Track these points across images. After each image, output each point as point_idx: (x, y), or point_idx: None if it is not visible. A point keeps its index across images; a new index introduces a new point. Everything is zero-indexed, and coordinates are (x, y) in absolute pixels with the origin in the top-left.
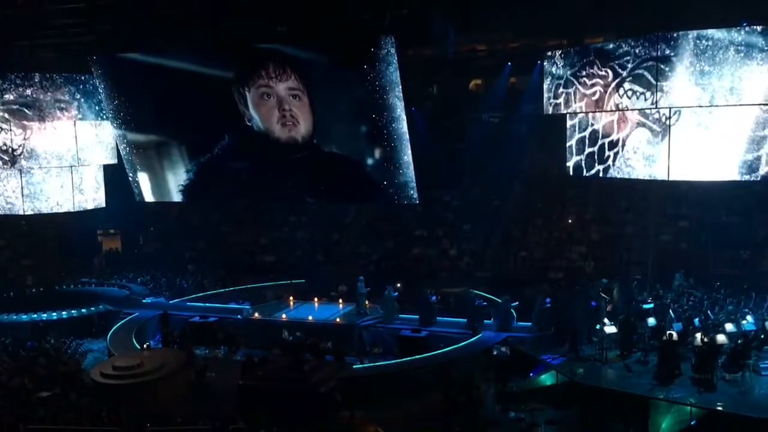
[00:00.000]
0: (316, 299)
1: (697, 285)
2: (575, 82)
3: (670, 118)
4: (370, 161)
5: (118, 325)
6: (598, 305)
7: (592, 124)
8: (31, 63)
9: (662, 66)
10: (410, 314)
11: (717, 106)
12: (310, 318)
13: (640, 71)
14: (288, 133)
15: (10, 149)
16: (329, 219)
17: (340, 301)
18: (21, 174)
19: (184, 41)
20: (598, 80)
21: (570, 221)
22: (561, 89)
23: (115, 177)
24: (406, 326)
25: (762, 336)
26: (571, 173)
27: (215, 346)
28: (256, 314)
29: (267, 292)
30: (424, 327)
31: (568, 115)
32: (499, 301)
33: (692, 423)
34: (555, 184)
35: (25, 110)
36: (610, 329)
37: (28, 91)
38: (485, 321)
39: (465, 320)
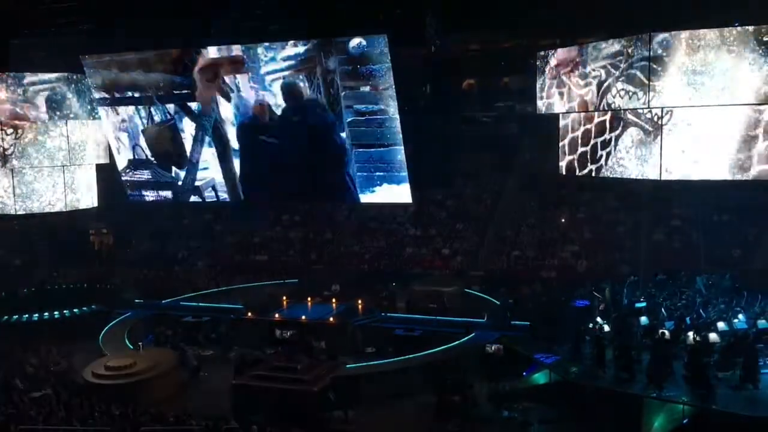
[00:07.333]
0: (309, 298)
1: (689, 284)
2: (568, 81)
3: (662, 117)
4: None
5: (110, 325)
6: (590, 304)
7: (585, 124)
8: (23, 62)
9: (654, 66)
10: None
11: (709, 105)
12: (303, 317)
13: (633, 71)
14: None
15: (1, 149)
16: (322, 218)
17: (333, 300)
18: (12, 174)
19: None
20: (591, 80)
21: (563, 220)
22: (554, 89)
23: (108, 176)
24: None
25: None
26: (563, 173)
27: (208, 346)
28: (249, 313)
29: (261, 291)
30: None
31: (560, 115)
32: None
33: (685, 421)
34: (547, 184)
35: (17, 110)
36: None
37: (20, 91)
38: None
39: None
